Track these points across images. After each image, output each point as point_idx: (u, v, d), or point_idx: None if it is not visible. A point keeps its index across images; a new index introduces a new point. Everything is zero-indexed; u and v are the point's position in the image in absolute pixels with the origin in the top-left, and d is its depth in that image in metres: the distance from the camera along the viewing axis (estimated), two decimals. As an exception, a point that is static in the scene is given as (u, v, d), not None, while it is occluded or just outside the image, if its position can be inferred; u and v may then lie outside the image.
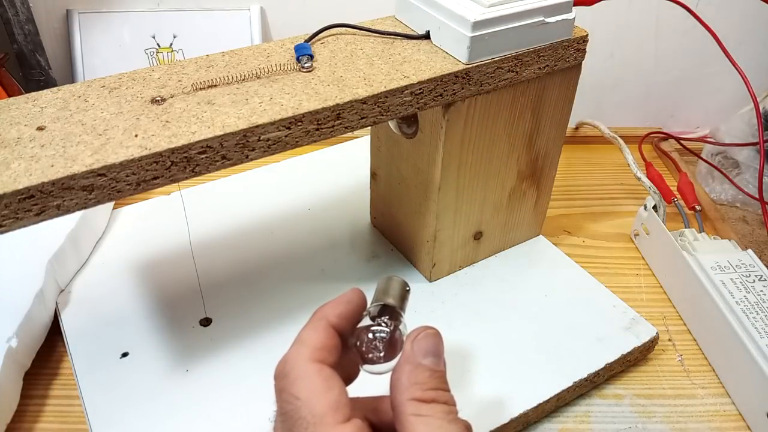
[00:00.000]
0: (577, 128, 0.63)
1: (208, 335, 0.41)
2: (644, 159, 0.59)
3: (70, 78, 0.61)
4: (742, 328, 0.39)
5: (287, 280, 0.45)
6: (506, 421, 0.36)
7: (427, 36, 0.37)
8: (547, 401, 0.37)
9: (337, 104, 0.32)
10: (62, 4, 0.59)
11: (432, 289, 0.44)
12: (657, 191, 0.49)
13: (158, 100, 0.31)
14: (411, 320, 0.41)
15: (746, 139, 0.56)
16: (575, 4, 0.37)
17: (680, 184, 0.54)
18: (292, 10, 0.61)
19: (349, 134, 0.60)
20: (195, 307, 0.42)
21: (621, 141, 0.53)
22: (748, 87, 0.44)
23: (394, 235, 0.47)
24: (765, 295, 0.41)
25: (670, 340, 0.44)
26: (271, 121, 0.30)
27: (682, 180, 0.55)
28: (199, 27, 0.61)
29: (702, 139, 0.61)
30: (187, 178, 0.30)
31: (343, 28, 0.38)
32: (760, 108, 0.50)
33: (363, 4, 0.58)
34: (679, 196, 0.53)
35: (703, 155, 0.60)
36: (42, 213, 0.27)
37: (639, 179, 0.49)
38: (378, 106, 0.33)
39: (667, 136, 0.63)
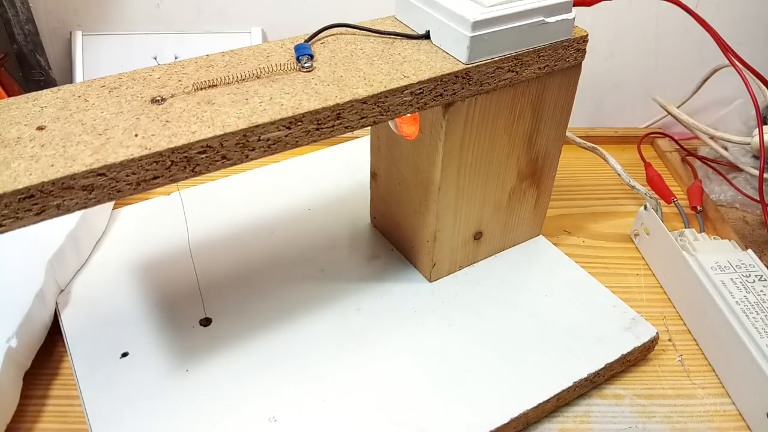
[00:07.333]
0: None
1: (208, 335, 0.41)
2: (643, 159, 0.59)
3: (70, 78, 0.61)
4: (742, 328, 0.39)
5: (287, 280, 0.45)
6: (506, 421, 0.36)
7: (427, 36, 0.37)
8: (547, 401, 0.37)
9: (337, 104, 0.32)
10: (65, 20, 0.59)
11: (432, 289, 0.44)
12: (654, 195, 0.49)
13: (158, 100, 0.31)
14: (411, 320, 0.42)
15: (744, 140, 0.56)
16: (575, 4, 0.37)
17: (691, 188, 0.54)
18: (294, 33, 0.61)
19: (349, 134, 0.60)
20: (195, 307, 0.42)
21: (602, 150, 0.53)
22: (747, 87, 0.44)
23: (394, 235, 0.47)
24: (765, 295, 0.41)
25: (670, 340, 0.44)
26: (271, 120, 0.30)
27: (695, 185, 0.54)
28: (200, 50, 0.61)
29: (696, 138, 0.61)
30: (187, 178, 0.30)
31: (343, 28, 0.38)
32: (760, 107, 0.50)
33: (363, 4, 0.58)
34: (677, 197, 0.53)
35: (701, 155, 0.60)
36: (42, 213, 0.27)
37: (633, 187, 0.49)
38: (378, 106, 0.33)
39: (669, 138, 0.63)
